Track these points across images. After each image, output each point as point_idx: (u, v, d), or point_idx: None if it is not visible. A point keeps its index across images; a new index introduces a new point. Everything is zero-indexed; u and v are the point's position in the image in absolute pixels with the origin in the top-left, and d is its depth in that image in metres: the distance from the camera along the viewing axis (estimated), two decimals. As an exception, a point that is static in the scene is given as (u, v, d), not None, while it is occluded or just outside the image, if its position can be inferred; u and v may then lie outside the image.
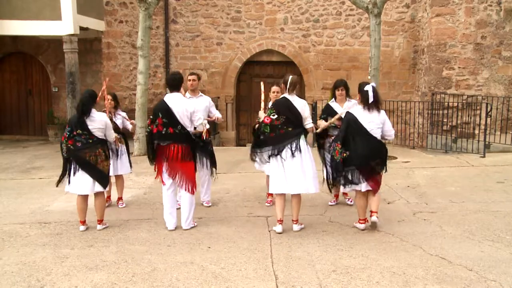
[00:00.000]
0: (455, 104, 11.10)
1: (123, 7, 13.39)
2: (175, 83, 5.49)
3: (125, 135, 6.68)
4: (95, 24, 12.57)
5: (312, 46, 13.47)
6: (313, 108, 11.69)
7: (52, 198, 7.00)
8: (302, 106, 5.32)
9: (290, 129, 5.23)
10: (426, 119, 11.79)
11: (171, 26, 13.68)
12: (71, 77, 11.55)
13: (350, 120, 5.30)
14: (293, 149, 5.20)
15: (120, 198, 6.62)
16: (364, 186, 5.27)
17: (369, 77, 10.00)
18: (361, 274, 4.24)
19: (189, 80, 6.32)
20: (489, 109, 10.05)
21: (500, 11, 11.46)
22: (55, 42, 12.63)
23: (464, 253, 4.69)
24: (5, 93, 14.27)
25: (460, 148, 10.57)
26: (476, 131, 10.65)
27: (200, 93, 6.45)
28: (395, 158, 9.95)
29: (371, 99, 5.24)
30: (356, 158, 5.20)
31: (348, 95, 6.23)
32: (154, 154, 5.42)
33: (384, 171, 5.41)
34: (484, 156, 9.79)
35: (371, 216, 5.29)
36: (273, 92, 6.27)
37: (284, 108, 5.26)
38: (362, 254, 4.68)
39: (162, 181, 5.45)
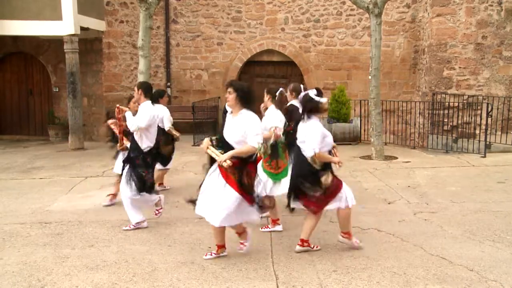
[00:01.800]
0: (456, 104, 11.09)
1: (123, 7, 13.39)
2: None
3: None
4: (96, 24, 12.57)
5: (313, 46, 13.47)
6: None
7: (52, 198, 7.01)
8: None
9: None
10: (426, 119, 11.78)
11: (172, 26, 13.68)
12: (71, 77, 11.55)
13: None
14: None
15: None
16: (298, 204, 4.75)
17: (369, 77, 10.01)
18: (361, 274, 4.24)
19: None
20: (489, 109, 10.04)
21: (500, 11, 11.46)
22: (55, 42, 12.63)
23: (465, 253, 4.69)
24: (5, 93, 14.28)
25: (460, 148, 10.56)
26: (477, 131, 10.64)
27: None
28: (396, 158, 9.95)
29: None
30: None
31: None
32: None
33: (317, 193, 4.58)
34: (484, 156, 9.78)
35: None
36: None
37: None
38: (363, 254, 4.68)
39: None
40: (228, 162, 4.18)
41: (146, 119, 5.31)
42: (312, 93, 4.63)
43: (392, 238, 5.17)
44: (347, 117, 11.92)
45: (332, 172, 4.68)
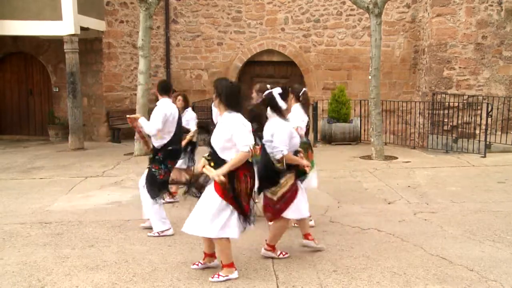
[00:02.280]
0: (456, 104, 11.09)
1: (123, 7, 13.39)
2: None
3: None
4: (96, 24, 12.57)
5: (313, 46, 13.47)
6: (314, 109, 11.70)
7: (52, 198, 7.01)
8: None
9: None
10: (426, 119, 11.78)
11: (172, 26, 13.69)
12: (71, 77, 11.55)
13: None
14: None
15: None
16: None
17: (369, 77, 10.01)
18: (361, 274, 4.24)
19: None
20: (489, 109, 10.04)
21: (500, 11, 11.45)
22: (55, 42, 12.63)
23: (465, 253, 4.69)
24: (5, 93, 14.28)
25: (460, 148, 10.56)
26: (477, 131, 10.64)
27: None
28: (396, 158, 9.95)
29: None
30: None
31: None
32: None
33: (275, 197, 4.32)
34: (484, 156, 9.78)
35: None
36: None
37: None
38: (363, 254, 4.68)
39: None
40: (222, 177, 3.87)
41: (160, 120, 5.23)
42: (276, 91, 4.40)
43: (392, 238, 5.17)
44: (347, 117, 11.93)
45: (294, 177, 4.40)
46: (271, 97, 4.40)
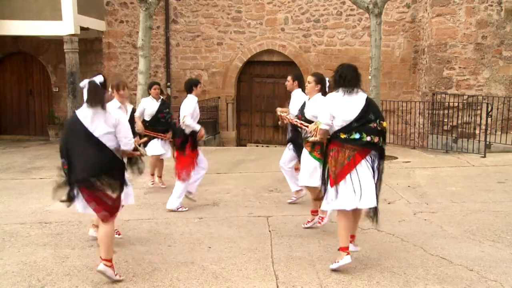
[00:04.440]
0: (456, 104, 11.09)
1: (123, 7, 13.40)
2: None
3: None
4: (96, 24, 12.58)
5: (313, 46, 13.47)
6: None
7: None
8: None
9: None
10: (426, 119, 11.78)
11: (172, 26, 13.69)
12: (71, 77, 11.56)
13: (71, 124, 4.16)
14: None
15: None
16: (82, 207, 4.15)
17: (369, 77, 10.00)
18: (361, 274, 4.24)
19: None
20: (489, 109, 10.04)
21: (500, 11, 11.45)
22: (55, 42, 12.64)
23: (465, 253, 4.69)
24: (5, 93, 14.30)
25: (460, 148, 10.56)
26: (477, 131, 10.65)
27: None
28: (396, 158, 9.94)
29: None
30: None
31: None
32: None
33: (115, 194, 4.08)
34: (484, 156, 9.78)
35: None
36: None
37: None
38: (363, 254, 4.68)
39: None
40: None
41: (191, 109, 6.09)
42: (98, 79, 4.09)
43: (392, 238, 5.17)
44: (347, 117, 11.90)
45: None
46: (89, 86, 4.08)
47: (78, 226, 5.66)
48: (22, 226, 5.69)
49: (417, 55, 13.09)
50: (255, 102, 14.37)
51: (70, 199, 4.13)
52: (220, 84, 13.82)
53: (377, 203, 4.25)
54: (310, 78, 5.32)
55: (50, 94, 14.03)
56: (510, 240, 5.07)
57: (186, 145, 6.08)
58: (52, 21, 11.27)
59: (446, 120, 11.25)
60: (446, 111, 11.22)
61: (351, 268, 4.35)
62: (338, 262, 4.21)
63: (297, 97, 5.98)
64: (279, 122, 5.99)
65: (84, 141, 3.99)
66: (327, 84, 5.29)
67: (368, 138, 4.18)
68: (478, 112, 10.64)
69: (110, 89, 5.13)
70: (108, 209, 4.07)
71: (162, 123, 7.43)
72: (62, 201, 4.18)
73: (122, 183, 4.14)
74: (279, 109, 6.04)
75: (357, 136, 4.18)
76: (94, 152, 3.98)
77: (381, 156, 4.29)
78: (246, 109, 14.42)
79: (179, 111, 6.21)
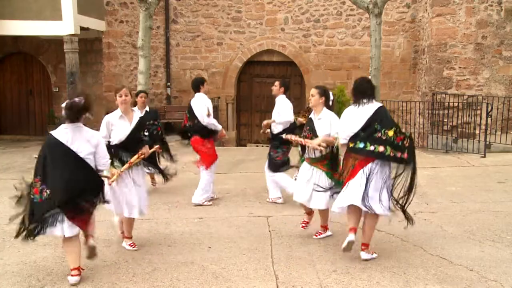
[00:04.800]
0: (456, 104, 11.09)
1: (123, 7, 13.39)
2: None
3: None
4: (96, 24, 12.57)
5: (313, 46, 13.47)
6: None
7: (52, 198, 6.99)
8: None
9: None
10: (426, 119, 11.78)
11: (172, 26, 13.68)
12: (71, 77, 11.55)
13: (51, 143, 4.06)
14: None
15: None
16: (66, 229, 4.04)
17: (369, 77, 9.99)
18: (361, 274, 4.24)
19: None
20: (489, 109, 10.05)
21: (500, 11, 11.46)
22: (55, 42, 12.63)
23: (465, 253, 4.69)
24: (5, 93, 14.28)
25: (460, 148, 10.56)
26: (477, 131, 10.65)
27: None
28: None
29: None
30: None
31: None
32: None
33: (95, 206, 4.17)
34: (484, 156, 9.78)
35: None
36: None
37: None
38: (363, 254, 4.68)
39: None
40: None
41: (206, 109, 6.31)
42: (78, 99, 4.05)
43: (392, 238, 5.17)
44: (347, 117, 11.91)
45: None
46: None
47: (78, 226, 5.65)
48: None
49: (417, 55, 13.09)
50: (255, 102, 14.36)
51: (35, 232, 4.17)
52: (220, 84, 13.82)
53: (389, 209, 4.49)
54: (313, 91, 5.20)
55: (50, 94, 14.01)
56: (510, 240, 5.07)
57: (208, 137, 6.44)
58: (52, 21, 11.26)
59: (446, 120, 11.25)
60: (446, 111, 11.22)
61: (351, 268, 4.35)
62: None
63: (281, 103, 6.37)
64: (262, 131, 6.60)
65: (63, 162, 3.97)
66: (331, 97, 5.28)
67: (372, 148, 4.36)
68: (478, 112, 10.64)
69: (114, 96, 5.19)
70: (90, 220, 4.20)
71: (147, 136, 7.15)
72: (28, 235, 4.19)
73: (102, 199, 4.26)
74: (265, 122, 6.45)
75: (361, 145, 4.42)
76: (77, 172, 4.00)
77: (399, 163, 4.48)
78: (246, 109, 14.42)
79: (183, 111, 6.33)
